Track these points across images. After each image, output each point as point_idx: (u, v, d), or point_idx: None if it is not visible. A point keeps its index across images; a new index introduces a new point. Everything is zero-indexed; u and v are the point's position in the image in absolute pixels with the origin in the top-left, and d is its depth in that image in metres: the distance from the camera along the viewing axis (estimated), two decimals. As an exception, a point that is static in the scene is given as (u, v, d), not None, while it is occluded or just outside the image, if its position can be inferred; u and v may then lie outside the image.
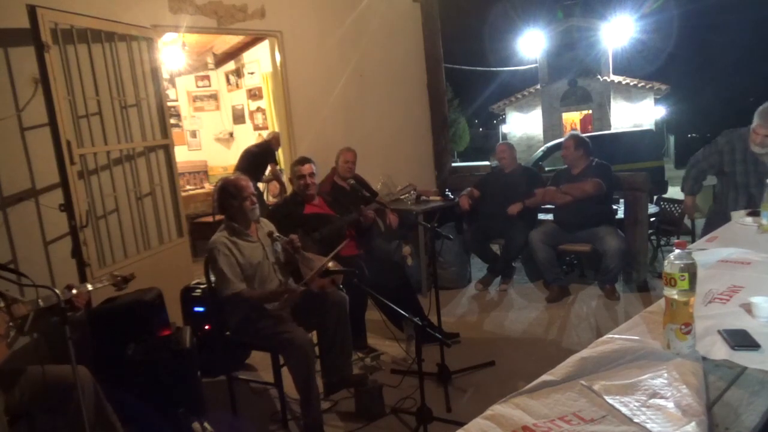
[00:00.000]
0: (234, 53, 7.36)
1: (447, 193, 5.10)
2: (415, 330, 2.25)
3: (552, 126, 18.52)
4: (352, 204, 3.82)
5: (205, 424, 2.53)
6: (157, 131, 3.83)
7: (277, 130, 6.87)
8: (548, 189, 4.48)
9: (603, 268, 4.28)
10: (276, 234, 2.93)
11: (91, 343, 2.75)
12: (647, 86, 17.72)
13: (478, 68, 19.86)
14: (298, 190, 3.65)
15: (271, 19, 4.61)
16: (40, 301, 1.91)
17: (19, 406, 2.02)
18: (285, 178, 5.87)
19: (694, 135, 22.04)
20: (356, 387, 2.84)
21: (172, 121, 6.45)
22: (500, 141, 23.49)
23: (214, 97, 7.91)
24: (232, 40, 6.79)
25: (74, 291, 2.07)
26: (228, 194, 2.78)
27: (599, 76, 17.79)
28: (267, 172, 6.49)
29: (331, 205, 3.76)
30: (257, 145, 6.57)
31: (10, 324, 1.90)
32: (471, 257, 5.08)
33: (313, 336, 2.95)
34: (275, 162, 6.51)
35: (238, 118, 7.87)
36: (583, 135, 4.64)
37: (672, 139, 20.79)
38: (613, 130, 14.94)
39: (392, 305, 2.52)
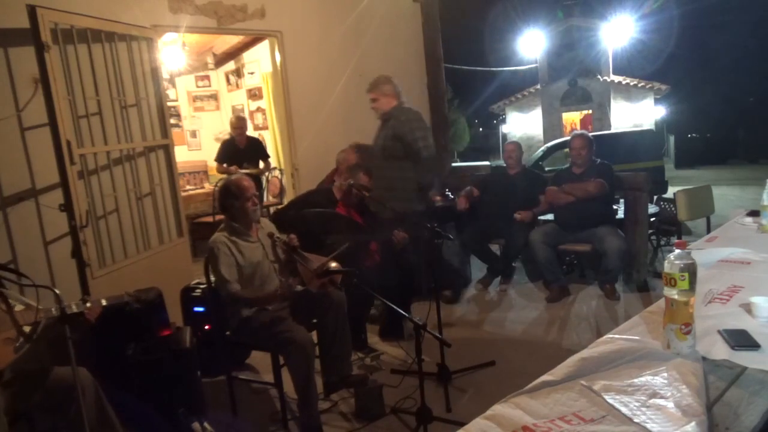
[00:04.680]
0: (234, 53, 7.36)
1: (447, 193, 5.10)
2: (415, 330, 2.24)
3: (552, 126, 18.50)
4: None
5: (205, 424, 2.53)
6: (157, 131, 3.83)
7: (241, 115, 6.56)
8: (550, 189, 4.48)
9: (603, 268, 4.28)
10: (276, 235, 2.94)
11: (91, 343, 2.75)
12: (647, 86, 17.70)
13: (478, 68, 19.84)
14: (349, 193, 3.63)
15: (271, 19, 4.62)
16: (53, 309, 1.91)
17: (19, 406, 2.02)
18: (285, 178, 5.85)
19: (694, 135, 22.05)
20: (356, 387, 2.84)
21: (172, 121, 6.45)
22: (500, 141, 23.40)
23: (214, 97, 7.91)
24: (232, 40, 6.79)
25: (88, 304, 2.07)
26: (230, 194, 2.79)
27: (599, 76, 17.77)
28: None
29: (359, 212, 3.72)
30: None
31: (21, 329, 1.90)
32: (471, 257, 5.08)
33: (313, 336, 2.95)
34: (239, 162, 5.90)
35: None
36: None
37: (672, 139, 20.80)
38: (613, 130, 14.93)
39: (394, 306, 2.52)
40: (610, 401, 1.20)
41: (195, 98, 7.81)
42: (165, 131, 3.88)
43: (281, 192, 6.44)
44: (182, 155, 7.09)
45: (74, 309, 1.96)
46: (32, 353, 1.98)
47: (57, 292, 1.91)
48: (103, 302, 2.18)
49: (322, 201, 3.63)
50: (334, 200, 3.65)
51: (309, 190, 4.53)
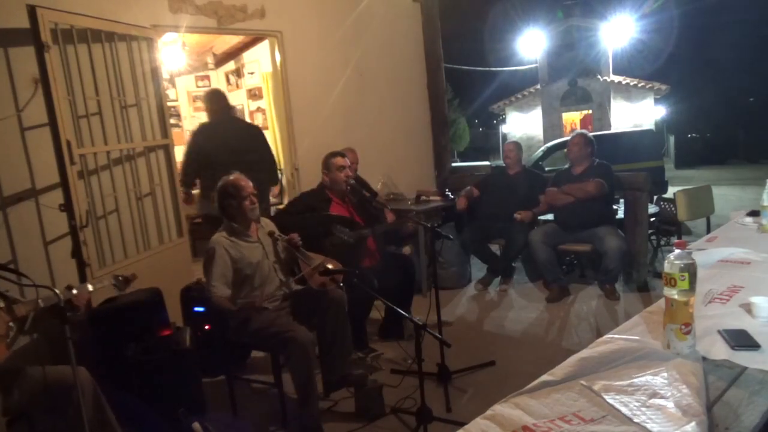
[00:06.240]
0: (234, 53, 7.35)
1: (447, 193, 5.10)
2: (415, 330, 2.24)
3: (552, 126, 18.51)
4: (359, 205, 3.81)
5: (206, 424, 2.52)
6: (157, 131, 3.82)
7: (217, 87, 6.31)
8: (549, 190, 4.48)
9: (603, 268, 4.28)
10: (277, 234, 2.94)
11: (91, 343, 2.75)
12: (647, 86, 17.71)
13: (478, 68, 19.86)
14: (335, 182, 3.62)
15: (271, 19, 4.61)
16: (40, 301, 1.91)
17: (18, 406, 2.02)
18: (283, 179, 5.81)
19: (694, 135, 22.07)
20: (356, 387, 2.84)
21: (172, 121, 6.42)
22: (500, 141, 23.46)
23: (214, 97, 7.90)
24: (232, 40, 6.79)
25: (74, 291, 2.07)
26: (227, 194, 2.79)
27: (599, 76, 17.78)
28: None
29: (357, 209, 3.72)
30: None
31: (11, 324, 1.89)
32: (471, 257, 5.08)
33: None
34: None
35: (238, 118, 7.86)
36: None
37: (672, 139, 20.81)
38: (613, 130, 14.93)
39: (394, 307, 2.52)
40: (610, 401, 1.19)
41: (195, 98, 7.80)
42: (165, 131, 3.88)
43: (281, 192, 6.43)
44: (182, 155, 7.07)
45: (61, 297, 1.95)
46: (30, 351, 1.97)
47: (57, 292, 1.91)
48: (90, 287, 2.17)
49: (315, 202, 3.63)
50: (328, 199, 3.66)
51: (301, 192, 4.54)
